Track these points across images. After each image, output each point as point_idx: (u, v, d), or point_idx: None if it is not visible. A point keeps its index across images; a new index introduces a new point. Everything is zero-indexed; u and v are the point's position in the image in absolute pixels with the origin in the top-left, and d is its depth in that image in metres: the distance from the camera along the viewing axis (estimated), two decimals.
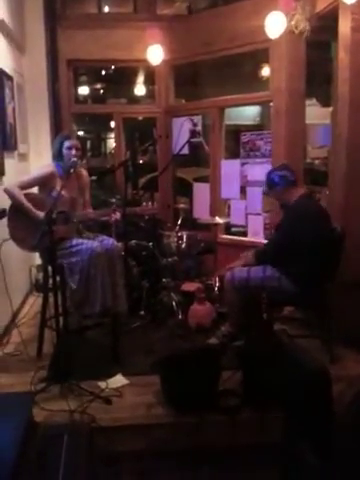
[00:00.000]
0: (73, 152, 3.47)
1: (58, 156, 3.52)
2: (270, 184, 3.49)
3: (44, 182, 3.48)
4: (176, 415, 2.72)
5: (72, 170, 3.42)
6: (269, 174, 3.52)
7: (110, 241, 3.53)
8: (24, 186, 3.41)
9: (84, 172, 3.79)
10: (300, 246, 3.23)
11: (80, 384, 2.95)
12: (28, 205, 3.35)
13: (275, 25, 4.01)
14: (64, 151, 3.48)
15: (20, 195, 3.36)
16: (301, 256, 3.23)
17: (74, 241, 3.39)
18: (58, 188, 3.36)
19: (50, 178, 3.47)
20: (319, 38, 4.29)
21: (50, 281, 3.36)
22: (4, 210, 3.19)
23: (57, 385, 2.95)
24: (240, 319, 3.45)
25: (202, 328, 3.83)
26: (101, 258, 3.32)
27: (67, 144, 3.48)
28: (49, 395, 2.89)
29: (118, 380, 3.12)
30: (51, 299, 3.19)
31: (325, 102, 6.00)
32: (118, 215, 3.60)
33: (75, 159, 3.46)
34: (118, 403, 2.87)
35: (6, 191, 3.37)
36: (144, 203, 3.95)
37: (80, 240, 3.42)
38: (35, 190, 3.57)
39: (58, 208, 3.21)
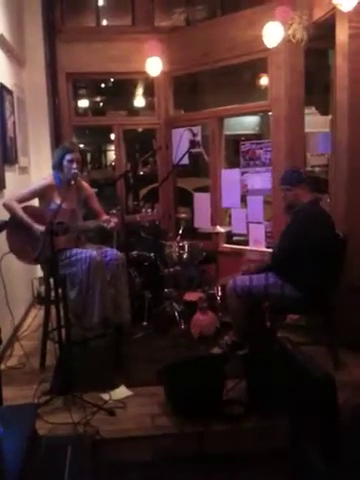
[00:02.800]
0: (74, 166, 3.47)
1: (58, 167, 3.53)
2: (298, 178, 3.40)
3: (42, 194, 3.49)
4: (181, 425, 2.70)
5: (73, 182, 3.42)
6: (295, 169, 3.55)
7: (113, 252, 3.53)
8: (22, 199, 3.42)
9: (85, 184, 3.79)
10: (305, 252, 3.21)
11: (83, 396, 2.93)
12: (27, 219, 3.35)
13: (273, 34, 4.05)
14: (65, 163, 3.48)
15: (18, 209, 3.36)
16: (304, 263, 3.22)
17: (73, 251, 3.39)
18: (57, 200, 3.37)
19: (48, 190, 3.47)
20: (317, 46, 4.33)
21: (52, 293, 3.35)
22: (4, 223, 3.19)
23: (60, 398, 2.94)
24: (243, 327, 3.43)
25: (205, 337, 3.82)
26: (100, 267, 3.32)
27: (68, 157, 3.48)
28: (52, 408, 2.87)
29: (121, 391, 3.10)
30: (53, 311, 3.18)
31: (324, 110, 6.02)
32: (116, 220, 3.58)
33: (76, 171, 3.46)
34: (122, 414, 2.85)
35: (4, 206, 3.38)
36: (144, 210, 3.93)
37: (79, 250, 3.42)
38: (35, 202, 3.58)
39: (57, 219, 3.21)
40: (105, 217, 3.64)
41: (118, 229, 3.74)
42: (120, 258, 3.53)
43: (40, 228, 3.27)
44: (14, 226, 3.35)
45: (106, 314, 3.30)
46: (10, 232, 3.36)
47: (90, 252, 3.39)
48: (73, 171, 3.45)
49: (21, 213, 3.36)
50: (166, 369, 2.89)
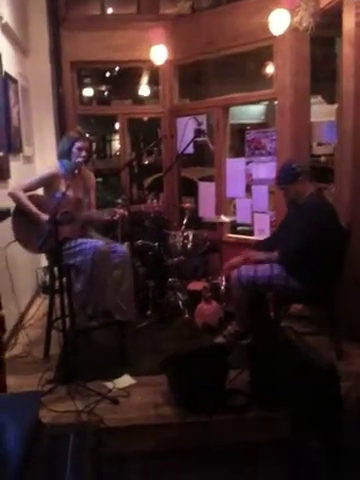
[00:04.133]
0: (83, 154, 3.48)
1: (66, 155, 3.52)
2: (293, 175, 3.36)
3: (48, 183, 3.49)
4: (184, 415, 2.71)
5: (76, 171, 3.41)
6: (288, 166, 3.44)
7: (122, 249, 3.53)
8: (27, 188, 3.41)
9: (91, 174, 3.79)
10: (310, 244, 3.19)
11: (87, 385, 2.94)
12: (32, 207, 3.35)
13: (279, 22, 4.01)
14: (74, 150, 3.47)
15: (24, 198, 3.36)
16: (310, 255, 3.20)
17: (78, 241, 3.40)
18: (62, 189, 3.36)
19: (54, 179, 3.47)
20: (323, 34, 4.27)
21: (56, 282, 3.36)
22: (8, 210, 3.20)
23: (64, 386, 2.95)
24: (247, 317, 3.43)
25: (209, 327, 3.83)
26: (105, 257, 3.32)
27: (78, 145, 3.47)
28: (56, 396, 2.89)
29: (125, 380, 3.12)
30: (57, 300, 3.19)
31: (330, 99, 5.97)
32: (122, 211, 3.58)
33: (80, 160, 3.46)
34: (125, 403, 2.86)
35: (10, 195, 3.38)
36: (149, 200, 3.93)
37: (84, 240, 3.42)
38: (40, 191, 3.58)
39: (63, 208, 3.21)
40: (109, 210, 3.63)
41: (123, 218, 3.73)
42: (128, 256, 3.53)
43: (45, 217, 3.27)
44: (19, 215, 3.36)
45: (111, 304, 3.31)
46: (15, 220, 3.36)
47: (95, 242, 3.39)
48: (78, 159, 3.45)
49: (27, 202, 3.36)
50: (169, 359, 2.90)
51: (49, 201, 3.39)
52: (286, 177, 3.40)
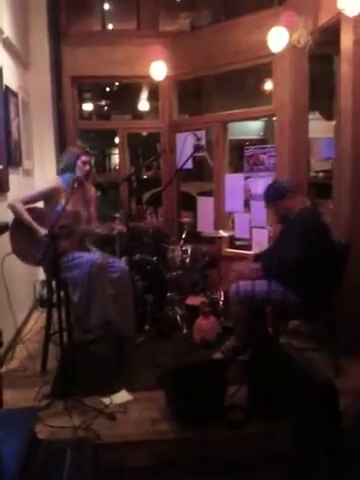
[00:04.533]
0: (87, 167, 3.55)
1: (70, 169, 3.54)
2: (281, 192, 3.41)
3: (48, 197, 3.49)
4: (181, 430, 2.68)
5: (75, 184, 3.42)
6: (273, 185, 3.53)
7: (120, 265, 3.53)
8: (27, 201, 3.42)
9: (92, 187, 3.81)
10: (306, 260, 3.20)
11: (84, 400, 2.92)
12: (29, 220, 3.35)
13: (278, 39, 4.05)
14: (79, 164, 3.52)
15: (23, 210, 3.36)
16: (306, 270, 3.20)
17: (75, 254, 3.39)
18: (63, 202, 3.37)
19: (54, 193, 3.47)
20: (322, 52, 4.32)
21: (54, 296, 3.35)
22: (6, 224, 3.20)
23: (61, 401, 2.93)
24: (245, 333, 3.42)
25: (207, 342, 3.81)
26: (102, 270, 3.31)
27: (83, 158, 3.53)
28: (53, 411, 2.86)
29: (122, 396, 3.09)
30: (55, 314, 3.18)
31: (328, 116, 6.01)
32: (120, 227, 3.61)
33: (80, 174, 3.49)
34: (122, 419, 2.84)
35: (9, 206, 3.38)
36: (148, 217, 3.95)
37: (81, 253, 3.42)
38: (40, 204, 3.58)
39: (61, 222, 3.21)
40: (108, 225, 3.65)
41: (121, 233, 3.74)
42: (126, 272, 3.53)
43: (43, 231, 3.27)
44: (18, 227, 3.36)
45: (108, 317, 3.29)
46: (13, 232, 3.37)
47: (92, 255, 3.39)
48: (78, 174, 3.48)
49: (25, 215, 3.35)
50: (167, 374, 2.88)
51: (49, 214, 3.39)
52: (274, 194, 3.46)
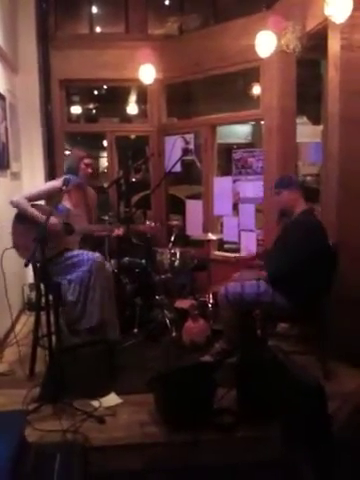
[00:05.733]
0: (89, 170, 3.68)
1: (73, 171, 3.64)
2: (288, 181, 3.48)
3: (50, 196, 3.59)
4: (171, 433, 2.68)
5: (64, 187, 3.42)
6: (286, 175, 3.69)
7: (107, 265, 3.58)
8: (30, 198, 3.52)
9: (92, 191, 3.90)
10: (300, 266, 3.21)
11: (73, 403, 2.91)
12: (32, 210, 3.43)
13: (266, 44, 4.08)
14: (82, 166, 3.65)
15: (28, 206, 3.45)
16: (297, 274, 3.22)
17: (75, 252, 3.46)
18: (65, 202, 3.55)
19: (57, 192, 3.52)
20: (309, 57, 4.36)
21: (43, 299, 3.34)
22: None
23: (50, 405, 2.91)
24: (234, 335, 3.43)
25: (196, 345, 3.81)
26: (102, 268, 3.36)
27: (86, 161, 3.67)
28: (42, 415, 2.84)
29: (111, 399, 3.08)
30: (44, 317, 3.16)
31: (315, 120, 6.06)
32: (121, 231, 3.71)
33: (83, 176, 3.65)
34: (112, 422, 2.83)
35: (13, 203, 3.47)
36: (148, 222, 4.06)
37: (81, 251, 3.47)
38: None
39: (62, 220, 3.36)
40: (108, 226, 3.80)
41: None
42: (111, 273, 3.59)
43: (54, 220, 3.32)
44: (20, 221, 3.44)
45: (104, 316, 3.32)
46: (15, 226, 3.46)
47: (92, 254, 3.44)
48: (80, 177, 3.62)
49: (31, 209, 3.44)
50: (156, 378, 2.88)
51: (51, 212, 3.41)
52: (282, 180, 3.53)
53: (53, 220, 3.29)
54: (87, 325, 3.32)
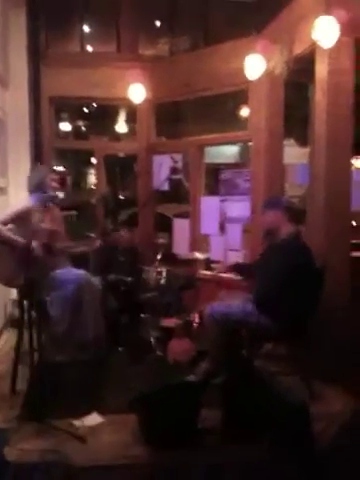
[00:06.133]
0: (56, 185, 3.58)
1: (39, 187, 3.53)
2: (274, 202, 3.54)
3: (22, 217, 3.46)
4: (154, 454, 2.64)
5: (50, 204, 3.42)
6: (274, 196, 3.78)
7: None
8: (5, 222, 3.39)
9: (56, 208, 3.79)
10: (285, 288, 3.21)
11: (54, 422, 2.85)
12: (13, 236, 3.34)
13: (254, 67, 4.15)
14: (48, 182, 3.54)
15: (5, 230, 3.35)
16: (282, 296, 3.21)
17: (61, 270, 3.40)
18: (36, 221, 3.38)
19: (28, 213, 3.46)
20: (297, 79, 4.43)
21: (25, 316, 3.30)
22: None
23: (31, 423, 2.85)
24: (220, 355, 3.40)
25: (181, 365, 3.78)
26: (88, 285, 3.33)
27: (53, 176, 3.57)
28: (22, 434, 2.78)
29: (93, 418, 3.02)
30: (26, 335, 3.12)
31: (302, 142, 6.15)
32: (97, 243, 3.66)
33: (55, 194, 3.54)
34: (93, 442, 2.77)
35: None
36: (122, 233, 3.98)
37: (65, 270, 3.43)
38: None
39: (40, 240, 3.21)
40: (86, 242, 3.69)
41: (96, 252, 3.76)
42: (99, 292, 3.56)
43: (34, 243, 3.24)
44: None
45: (99, 332, 3.28)
46: None
47: (78, 271, 3.40)
48: (52, 193, 3.48)
49: (8, 233, 3.34)
50: (139, 398, 2.84)
51: (23, 234, 3.36)
52: (270, 201, 3.61)
53: (33, 243, 3.23)
54: (82, 338, 3.26)
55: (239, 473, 2.56)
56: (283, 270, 3.25)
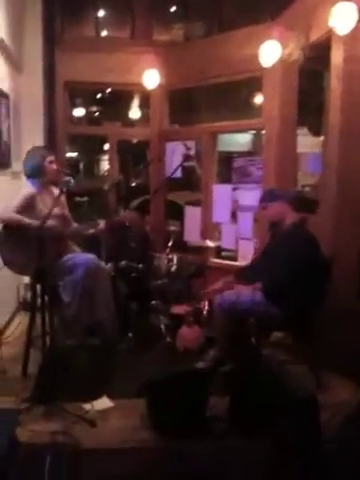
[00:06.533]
0: (55, 167, 3.49)
1: (37, 171, 3.49)
2: (272, 195, 3.51)
3: (29, 202, 3.45)
4: (162, 439, 2.67)
5: (65, 188, 3.41)
6: (270, 189, 3.66)
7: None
8: (18, 210, 3.37)
9: (55, 190, 3.72)
10: (293, 277, 3.21)
11: (65, 405, 2.89)
12: (26, 219, 3.32)
13: (269, 54, 4.10)
14: (46, 164, 3.48)
15: (17, 216, 3.34)
16: (291, 285, 3.21)
17: (70, 255, 3.41)
18: (40, 206, 3.38)
19: (32, 199, 3.45)
20: (312, 67, 4.38)
21: (38, 300, 3.34)
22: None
23: (41, 406, 2.90)
24: (228, 343, 3.42)
25: (190, 352, 3.80)
26: (97, 270, 3.33)
27: (50, 158, 3.50)
28: (33, 416, 2.82)
29: (103, 402, 3.07)
30: (38, 318, 3.16)
31: (316, 131, 6.09)
32: (102, 225, 3.64)
33: (68, 178, 3.47)
34: (103, 426, 2.81)
35: (4, 220, 3.35)
36: (127, 213, 3.98)
37: (74, 255, 3.44)
38: None
39: (50, 225, 3.20)
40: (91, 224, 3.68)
41: (106, 235, 3.75)
42: (110, 276, 3.56)
43: (53, 223, 3.23)
44: (7, 236, 3.33)
45: (104, 316, 3.30)
46: (4, 245, 3.34)
47: (86, 256, 3.41)
48: (66, 178, 3.48)
49: (24, 220, 3.31)
50: (148, 384, 2.87)
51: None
52: (265, 195, 3.56)
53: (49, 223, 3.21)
54: (92, 319, 3.28)
55: (244, 460, 2.60)
56: (291, 260, 3.25)
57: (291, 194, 3.61)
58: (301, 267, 3.20)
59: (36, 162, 3.51)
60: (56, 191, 3.62)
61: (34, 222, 3.29)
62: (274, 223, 3.52)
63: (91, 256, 3.45)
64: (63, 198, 3.74)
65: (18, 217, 3.33)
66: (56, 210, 3.38)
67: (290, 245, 3.33)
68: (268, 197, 3.52)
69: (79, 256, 3.42)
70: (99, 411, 2.96)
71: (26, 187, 3.56)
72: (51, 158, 3.51)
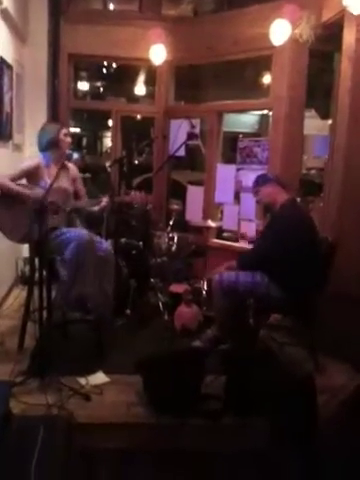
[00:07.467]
0: (69, 139, 3.53)
1: (53, 144, 3.49)
2: (263, 179, 3.52)
3: (31, 174, 3.45)
4: (157, 416, 2.67)
5: (66, 161, 3.38)
6: (260, 174, 3.66)
7: (106, 246, 3.51)
8: (13, 178, 3.37)
9: (71, 165, 3.72)
10: (288, 254, 3.20)
11: (60, 379, 2.89)
12: (18, 187, 3.32)
13: (279, 33, 4.03)
14: (61, 137, 3.49)
15: (12, 184, 3.32)
16: (289, 264, 3.20)
17: (64, 229, 3.38)
18: (46, 179, 3.35)
19: (37, 170, 3.44)
20: (322, 48, 4.30)
21: (36, 274, 3.31)
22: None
23: (36, 379, 2.89)
24: (226, 323, 3.41)
25: (187, 330, 3.80)
26: (90, 245, 3.30)
27: (64, 131, 3.52)
28: (28, 388, 2.82)
29: (99, 377, 3.07)
30: (36, 292, 3.14)
31: (324, 114, 6.01)
32: (106, 199, 3.63)
33: (65, 149, 3.48)
34: (98, 400, 2.81)
35: None
36: (133, 192, 3.94)
37: (68, 229, 3.41)
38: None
39: (49, 198, 3.16)
40: (96, 200, 3.64)
41: (107, 212, 3.72)
42: (111, 254, 3.51)
43: (39, 194, 3.20)
44: (2, 202, 3.30)
45: (87, 293, 3.27)
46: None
47: (79, 231, 3.38)
48: (68, 150, 3.45)
49: (17, 187, 3.32)
50: (145, 360, 2.86)
51: (34, 190, 3.35)
52: (257, 180, 3.56)
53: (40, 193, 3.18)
54: (81, 291, 3.26)
55: (239, 439, 2.60)
56: (269, 234, 3.35)
57: (276, 176, 3.62)
58: (293, 246, 3.18)
59: (52, 135, 3.51)
60: (70, 165, 3.65)
61: (27, 192, 3.30)
62: (268, 206, 3.50)
63: (84, 231, 3.40)
64: (76, 172, 3.75)
65: (9, 184, 3.31)
66: (61, 183, 3.38)
67: (278, 223, 3.35)
68: (259, 181, 3.52)
69: (72, 231, 3.37)
70: (94, 385, 2.96)
71: (32, 159, 3.54)
72: (65, 131, 3.54)
